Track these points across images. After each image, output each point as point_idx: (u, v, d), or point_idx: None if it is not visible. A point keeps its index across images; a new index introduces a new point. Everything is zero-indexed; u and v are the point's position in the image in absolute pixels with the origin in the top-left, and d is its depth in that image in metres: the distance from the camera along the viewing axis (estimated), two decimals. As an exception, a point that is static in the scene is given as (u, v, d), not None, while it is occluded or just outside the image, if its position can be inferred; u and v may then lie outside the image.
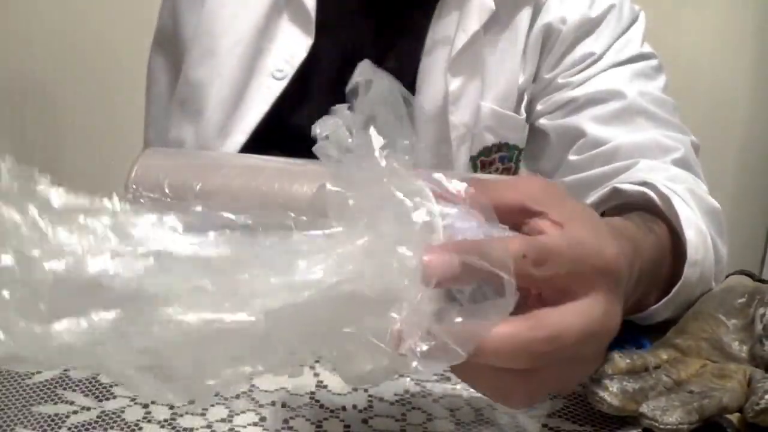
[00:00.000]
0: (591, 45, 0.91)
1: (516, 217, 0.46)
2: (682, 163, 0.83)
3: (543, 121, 0.94)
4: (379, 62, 0.90)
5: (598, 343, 0.45)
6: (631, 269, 0.51)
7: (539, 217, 0.45)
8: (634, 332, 0.65)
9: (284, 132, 0.91)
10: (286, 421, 0.52)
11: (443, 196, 0.44)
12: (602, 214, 0.74)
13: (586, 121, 0.89)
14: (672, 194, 0.68)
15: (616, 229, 0.54)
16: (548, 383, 0.44)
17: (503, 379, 0.43)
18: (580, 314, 0.43)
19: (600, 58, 0.91)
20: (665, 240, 0.65)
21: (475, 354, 0.40)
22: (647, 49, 0.93)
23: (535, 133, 0.97)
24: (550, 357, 0.42)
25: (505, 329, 0.41)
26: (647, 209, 0.68)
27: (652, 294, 0.65)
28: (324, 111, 0.91)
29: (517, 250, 0.41)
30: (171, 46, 0.98)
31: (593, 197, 0.73)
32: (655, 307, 0.65)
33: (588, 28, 0.92)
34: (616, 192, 0.71)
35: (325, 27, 0.90)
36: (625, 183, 0.71)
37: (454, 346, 0.40)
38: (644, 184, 0.70)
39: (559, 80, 0.92)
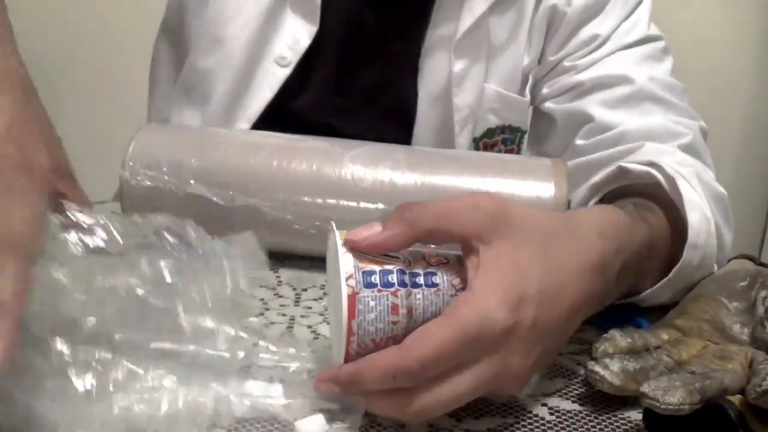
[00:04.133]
0: (597, 27, 0.90)
1: (460, 244, 0.51)
2: (689, 149, 0.82)
3: (549, 105, 0.93)
4: (383, 45, 0.91)
5: (485, 346, 0.48)
6: (605, 274, 0.55)
7: (472, 258, 0.49)
8: (633, 313, 0.65)
9: (286, 117, 0.90)
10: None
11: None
12: (606, 195, 0.73)
13: (593, 105, 0.88)
14: (678, 176, 0.67)
15: (595, 227, 0.56)
16: (440, 394, 0.48)
17: (392, 397, 0.48)
18: (446, 327, 0.47)
19: (606, 40, 0.90)
20: (662, 226, 0.65)
21: (357, 383, 0.48)
22: (654, 30, 0.92)
23: (541, 116, 0.96)
24: (423, 373, 0.47)
25: (376, 357, 0.47)
26: (650, 193, 0.67)
27: (647, 278, 0.65)
28: (326, 96, 0.91)
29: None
30: (175, 37, 0.99)
31: (599, 176, 0.72)
32: (652, 289, 0.65)
33: (594, 10, 0.90)
34: (621, 171, 0.70)
35: (329, 13, 0.89)
36: (632, 162, 0.70)
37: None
38: (651, 164, 0.69)
39: (565, 63, 0.91)
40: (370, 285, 0.48)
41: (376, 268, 0.49)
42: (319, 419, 0.50)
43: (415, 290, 0.49)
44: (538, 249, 0.50)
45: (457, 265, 0.51)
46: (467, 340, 0.46)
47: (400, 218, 0.49)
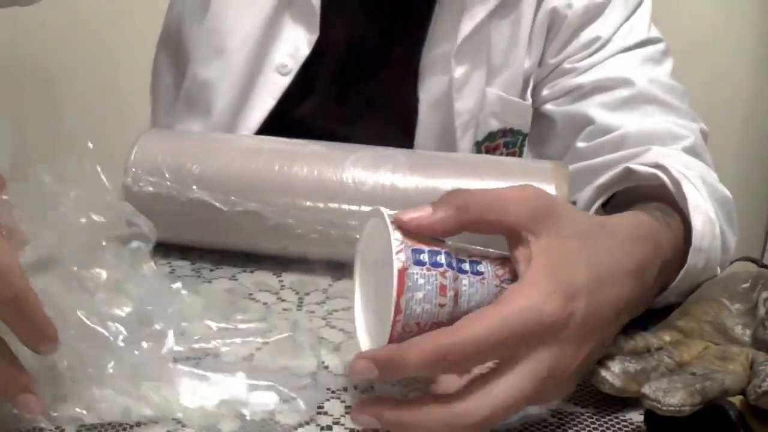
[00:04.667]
0: (597, 29, 0.91)
1: (507, 235, 0.50)
2: (691, 152, 0.82)
3: (549, 107, 0.94)
4: (384, 52, 0.91)
5: (537, 337, 0.47)
6: (645, 276, 0.55)
7: (521, 249, 0.49)
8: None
9: (288, 125, 0.90)
10: (287, 401, 0.52)
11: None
12: (613, 196, 0.73)
13: (593, 108, 0.89)
14: (683, 179, 0.67)
15: (633, 230, 0.57)
16: (494, 395, 0.46)
17: (444, 406, 0.46)
18: (496, 316, 0.46)
19: (606, 42, 0.90)
20: (679, 233, 0.65)
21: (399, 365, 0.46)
22: (654, 32, 0.92)
23: (541, 118, 0.96)
24: (476, 354, 0.46)
25: (423, 337, 0.46)
26: (654, 195, 0.68)
27: (670, 282, 0.65)
28: (327, 103, 0.91)
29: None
30: (175, 48, 0.99)
31: (605, 177, 0.72)
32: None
33: (594, 12, 0.91)
34: (628, 173, 0.70)
35: (329, 20, 0.89)
36: (638, 164, 0.70)
37: None
38: (657, 166, 0.69)
39: (565, 65, 0.92)
40: (419, 263, 0.47)
41: (425, 247, 0.48)
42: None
43: (461, 275, 0.48)
44: (585, 243, 0.51)
45: (500, 259, 0.50)
46: (519, 329, 0.46)
47: (450, 203, 0.49)
